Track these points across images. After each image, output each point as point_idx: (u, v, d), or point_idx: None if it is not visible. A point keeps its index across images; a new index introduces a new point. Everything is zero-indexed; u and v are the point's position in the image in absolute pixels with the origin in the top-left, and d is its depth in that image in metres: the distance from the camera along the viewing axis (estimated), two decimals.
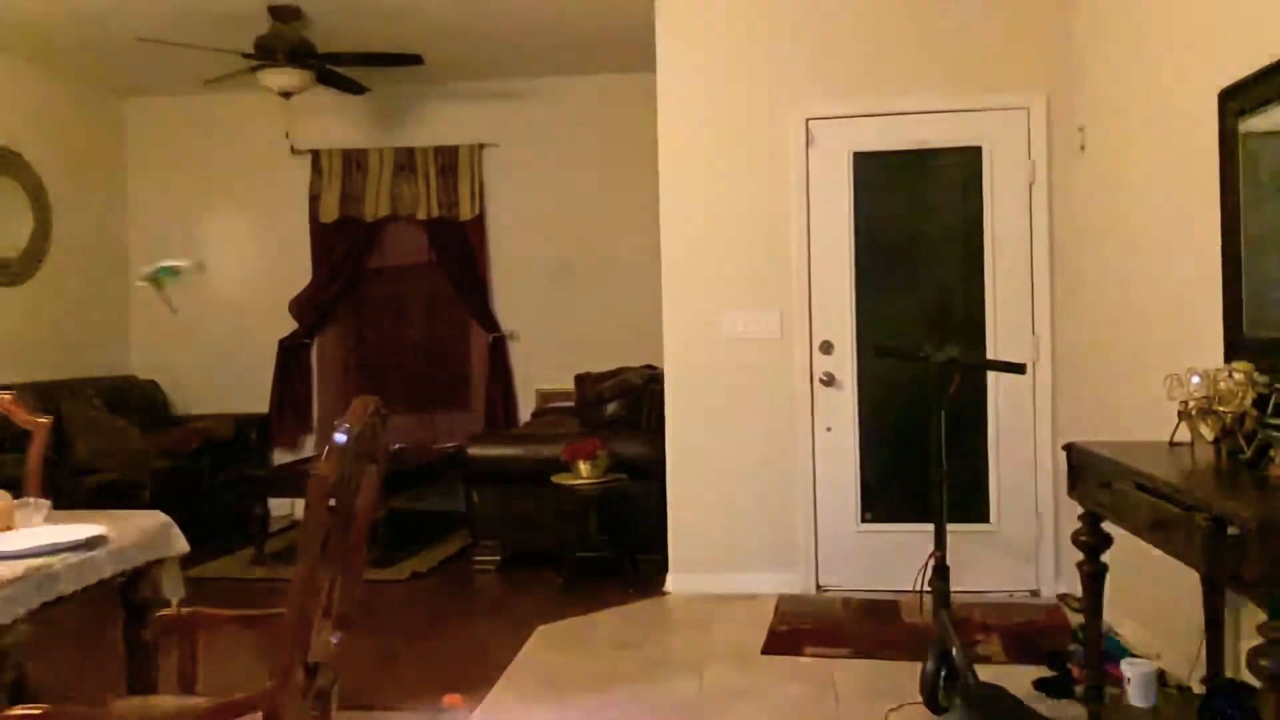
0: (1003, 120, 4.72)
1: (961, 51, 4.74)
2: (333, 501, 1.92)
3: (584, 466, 5.01)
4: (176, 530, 2.74)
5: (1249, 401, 2.44)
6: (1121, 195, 4.02)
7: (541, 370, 7.05)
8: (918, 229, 4.87)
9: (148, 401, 6.99)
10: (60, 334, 6.73)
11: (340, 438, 1.91)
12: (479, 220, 7.09)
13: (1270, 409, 2.41)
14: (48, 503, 2.65)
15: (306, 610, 1.95)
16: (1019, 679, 3.46)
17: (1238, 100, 2.91)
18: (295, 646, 1.94)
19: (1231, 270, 2.97)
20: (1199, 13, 3.24)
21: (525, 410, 7.09)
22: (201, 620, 2.42)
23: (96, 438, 6.03)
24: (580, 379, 6.53)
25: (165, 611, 2.53)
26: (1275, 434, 2.33)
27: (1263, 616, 1.87)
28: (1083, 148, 4.49)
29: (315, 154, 7.19)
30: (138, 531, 2.59)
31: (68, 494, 4.97)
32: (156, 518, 2.74)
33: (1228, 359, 2.85)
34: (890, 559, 4.68)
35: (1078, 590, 3.05)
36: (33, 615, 2.21)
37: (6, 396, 3.08)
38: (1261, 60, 2.73)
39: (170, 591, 2.73)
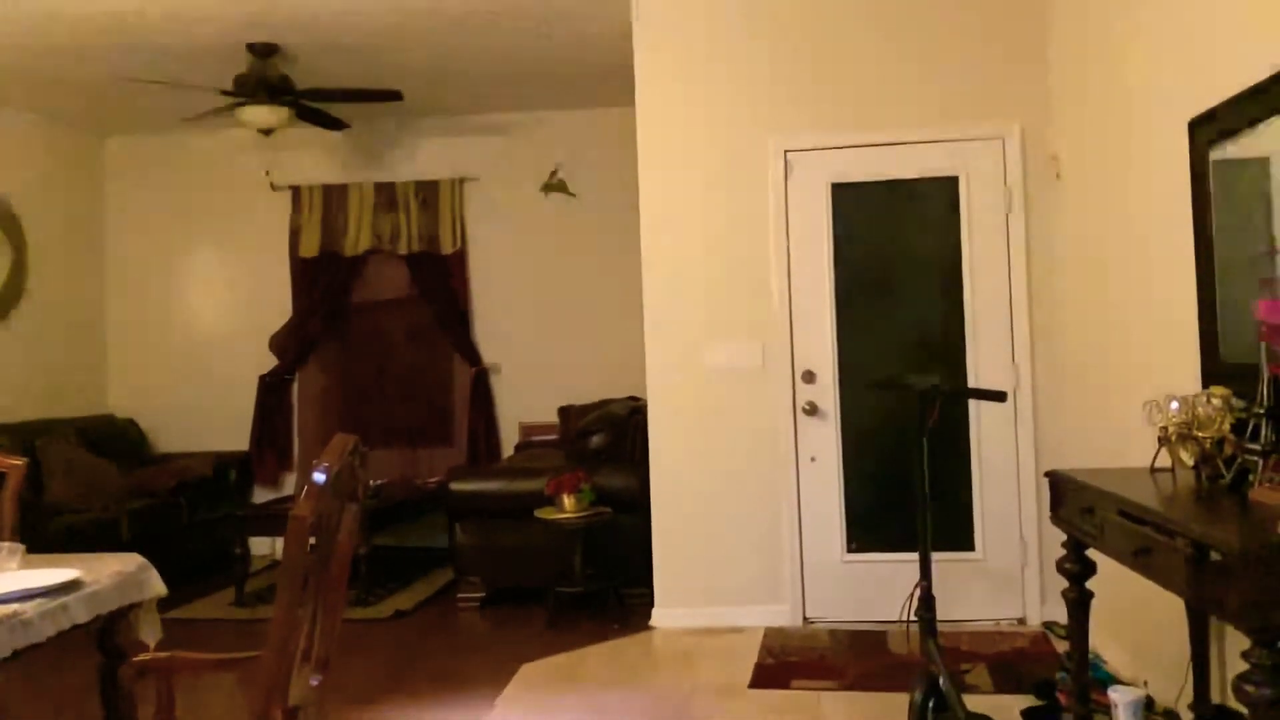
0: (979, 150, 4.77)
1: (938, 83, 4.79)
2: (312, 541, 1.89)
3: (568, 500, 4.98)
4: (153, 573, 2.70)
5: (1227, 426, 2.45)
6: (1097, 223, 4.06)
7: (524, 403, 7.03)
8: (897, 258, 4.90)
9: (126, 440, 6.91)
10: (38, 373, 6.66)
11: (319, 477, 1.89)
12: (460, 254, 7.10)
13: (1248, 433, 2.42)
14: (22, 547, 2.60)
15: (286, 652, 1.92)
16: (1007, 708, 3.45)
17: (1207, 129, 2.94)
18: (275, 689, 1.91)
19: (1206, 296, 2.99)
20: (1169, 43, 3.29)
21: (508, 444, 7.05)
22: (179, 664, 2.38)
23: (74, 478, 5.96)
24: (564, 411, 6.53)
25: (142, 655, 2.49)
26: (1254, 458, 2.34)
27: (1247, 643, 1.86)
28: (1058, 176, 4.54)
29: (295, 190, 7.19)
30: (113, 575, 2.55)
31: (44, 535, 4.91)
32: (133, 560, 2.70)
33: (1205, 384, 2.87)
34: (876, 589, 4.67)
35: (1063, 618, 3.05)
36: (6, 662, 2.17)
37: None
38: (1230, 89, 2.77)
39: (147, 635, 2.68)
